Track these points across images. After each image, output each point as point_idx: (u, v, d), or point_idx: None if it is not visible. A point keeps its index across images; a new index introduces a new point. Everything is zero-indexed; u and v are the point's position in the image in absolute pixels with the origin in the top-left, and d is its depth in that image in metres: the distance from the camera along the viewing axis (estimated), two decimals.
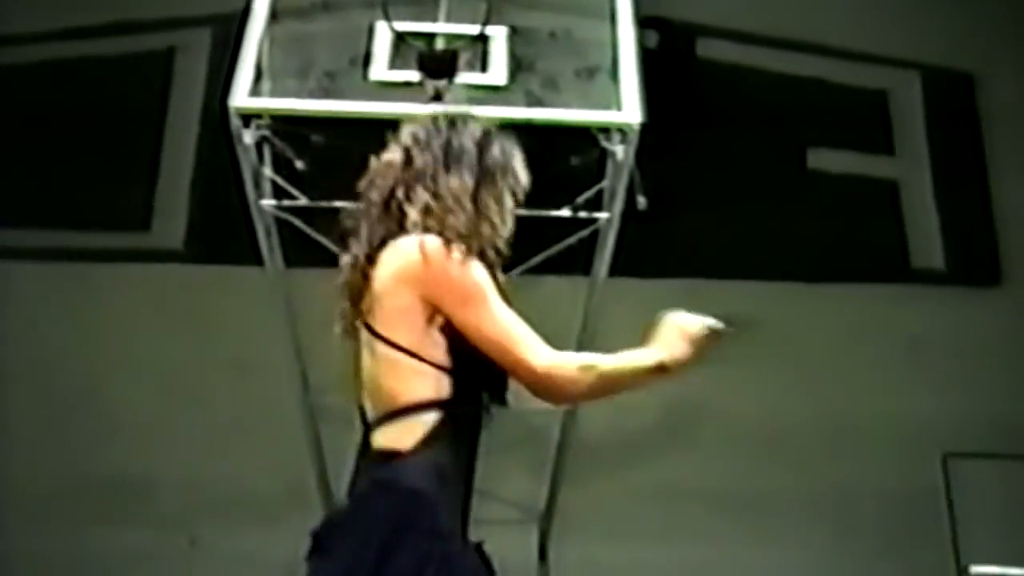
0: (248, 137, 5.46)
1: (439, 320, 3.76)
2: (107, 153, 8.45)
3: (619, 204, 5.61)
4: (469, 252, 3.78)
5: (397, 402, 3.78)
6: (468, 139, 3.91)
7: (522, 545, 6.99)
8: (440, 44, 5.67)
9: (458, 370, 3.79)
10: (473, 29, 5.62)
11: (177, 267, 8.27)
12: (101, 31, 8.86)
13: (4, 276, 8.08)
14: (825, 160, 8.62)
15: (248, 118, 5.46)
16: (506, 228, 3.90)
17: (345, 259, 3.92)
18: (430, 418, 3.77)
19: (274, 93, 5.53)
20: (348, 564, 3.71)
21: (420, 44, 5.60)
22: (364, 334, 3.84)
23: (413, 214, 3.84)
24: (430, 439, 3.76)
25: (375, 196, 3.91)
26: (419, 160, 3.88)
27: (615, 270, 5.85)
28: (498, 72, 5.65)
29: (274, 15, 5.71)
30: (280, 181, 5.65)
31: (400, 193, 3.87)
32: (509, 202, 3.91)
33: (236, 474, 7.40)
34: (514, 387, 3.84)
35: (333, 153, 5.45)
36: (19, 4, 8.82)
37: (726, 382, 7.65)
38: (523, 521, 6.97)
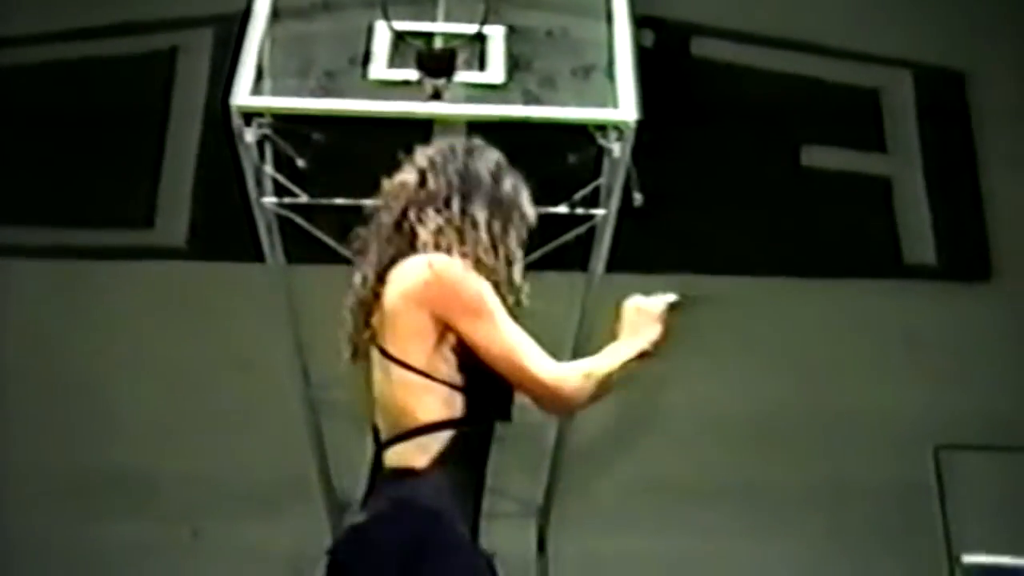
0: (250, 135, 5.46)
1: (450, 338, 3.77)
2: (111, 152, 8.47)
3: (615, 201, 5.61)
4: (478, 272, 3.81)
5: (410, 421, 3.78)
6: (484, 168, 3.93)
7: (521, 538, 7.01)
8: (438, 43, 5.67)
9: (470, 388, 3.80)
10: (471, 28, 5.63)
11: (180, 264, 8.28)
12: (105, 32, 8.88)
13: (9, 273, 8.10)
14: (818, 157, 8.64)
15: (249, 117, 5.46)
16: (515, 265, 3.90)
17: (355, 279, 3.91)
18: (444, 436, 3.79)
19: (275, 92, 5.52)
20: None
21: (419, 43, 5.60)
22: (376, 354, 3.85)
23: (424, 235, 3.84)
24: (444, 457, 3.78)
25: (386, 217, 3.91)
26: (433, 183, 3.89)
27: (612, 266, 5.86)
28: (496, 71, 5.65)
29: (275, 15, 5.71)
30: (281, 179, 5.64)
31: (412, 214, 3.87)
32: (515, 236, 3.93)
33: (238, 468, 7.40)
34: (518, 401, 3.87)
35: (333, 151, 5.48)
36: (24, 6, 8.82)
37: (721, 377, 7.73)
38: (522, 515, 6.98)
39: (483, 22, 5.62)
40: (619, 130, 5.47)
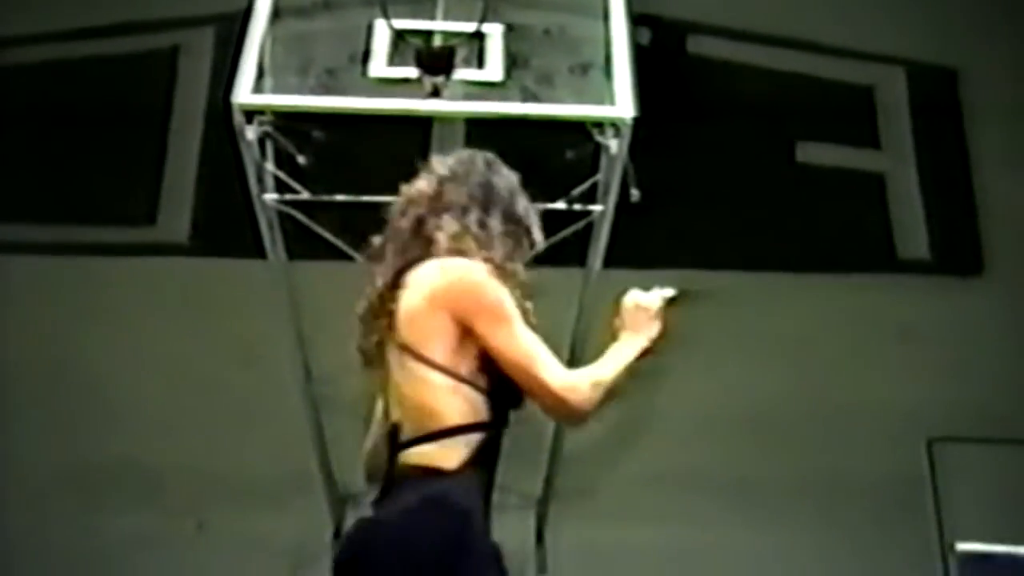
0: (251, 133, 5.45)
1: (472, 340, 3.81)
2: (113, 150, 8.49)
3: (613, 197, 5.63)
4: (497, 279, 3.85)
5: (438, 422, 3.81)
6: (503, 184, 3.99)
7: (520, 529, 7.03)
8: (437, 41, 5.66)
9: (493, 390, 3.84)
10: (470, 27, 5.63)
11: (182, 260, 8.29)
12: (107, 31, 8.90)
13: (12, 270, 8.12)
14: (813, 153, 8.66)
15: (251, 114, 5.45)
16: (519, 279, 3.95)
17: (369, 287, 3.96)
18: (474, 439, 3.82)
19: (276, 90, 5.52)
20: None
21: (418, 41, 5.61)
22: (396, 355, 3.86)
23: (443, 240, 3.90)
24: (475, 460, 3.82)
25: (404, 223, 3.96)
26: (453, 193, 3.95)
27: (609, 262, 5.87)
28: (494, 68, 5.66)
29: (276, 14, 5.71)
30: (282, 176, 5.65)
31: (431, 221, 3.92)
32: (521, 256, 3.98)
33: (241, 461, 7.41)
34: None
35: (334, 148, 5.51)
36: (27, 6, 8.83)
37: (717, 371, 7.75)
38: (521, 507, 7.00)
39: (482, 20, 5.62)
40: (616, 127, 5.47)
